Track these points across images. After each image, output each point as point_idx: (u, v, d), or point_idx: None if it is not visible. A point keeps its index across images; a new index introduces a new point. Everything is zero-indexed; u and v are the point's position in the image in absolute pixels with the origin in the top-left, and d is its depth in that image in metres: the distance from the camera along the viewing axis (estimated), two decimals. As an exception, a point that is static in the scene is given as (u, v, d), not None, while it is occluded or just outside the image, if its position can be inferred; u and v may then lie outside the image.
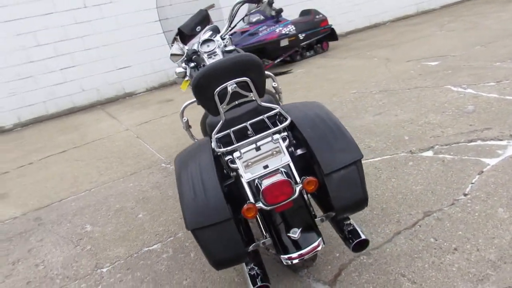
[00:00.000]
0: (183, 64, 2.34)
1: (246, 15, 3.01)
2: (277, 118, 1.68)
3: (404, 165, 2.45)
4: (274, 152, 1.42)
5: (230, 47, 2.42)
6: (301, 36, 6.23)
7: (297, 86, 4.89)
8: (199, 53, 2.42)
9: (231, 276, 1.80)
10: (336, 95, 4.16)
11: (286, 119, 1.60)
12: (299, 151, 1.56)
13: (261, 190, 1.34)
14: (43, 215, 2.80)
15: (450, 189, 2.10)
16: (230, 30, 2.61)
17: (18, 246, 2.45)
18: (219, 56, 2.32)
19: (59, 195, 3.10)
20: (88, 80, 6.24)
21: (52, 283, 2.02)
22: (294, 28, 6.07)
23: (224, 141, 1.54)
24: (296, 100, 4.28)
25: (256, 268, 1.45)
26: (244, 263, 1.46)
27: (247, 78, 1.46)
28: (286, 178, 1.35)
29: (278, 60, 6.13)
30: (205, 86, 1.45)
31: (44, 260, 2.23)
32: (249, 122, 1.57)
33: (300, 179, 1.40)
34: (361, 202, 1.44)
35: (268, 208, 1.37)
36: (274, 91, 2.81)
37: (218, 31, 2.59)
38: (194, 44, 2.46)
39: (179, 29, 2.55)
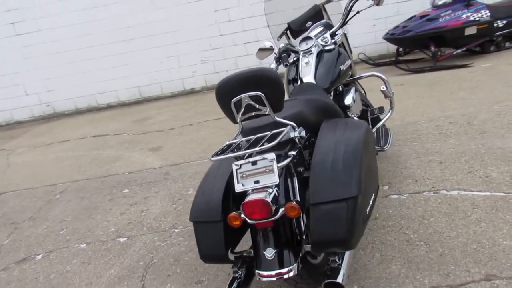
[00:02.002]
0: (274, 62, 2.41)
1: None
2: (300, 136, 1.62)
3: (511, 211, 1.97)
4: (267, 170, 1.43)
5: (330, 47, 2.35)
6: (498, 24, 5.19)
7: (465, 85, 4.21)
8: (290, 51, 2.44)
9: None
10: (501, 103, 3.43)
11: (303, 138, 1.56)
12: (306, 174, 1.51)
13: (242, 203, 1.39)
14: (171, 171, 3.41)
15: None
16: (342, 26, 2.51)
17: (142, 192, 3.09)
18: (313, 56, 2.30)
19: (190, 157, 3.68)
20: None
21: (140, 229, 2.53)
22: (488, 14, 5.09)
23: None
24: (438, 103, 3.74)
25: (240, 273, 1.53)
26: (233, 265, 1.55)
27: (261, 92, 1.47)
28: (265, 198, 1.36)
29: (460, 50, 5.31)
30: (223, 95, 1.54)
31: (148, 209, 2.78)
32: (261, 134, 1.56)
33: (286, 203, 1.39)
34: (340, 242, 1.32)
35: (250, 221, 1.42)
36: (383, 95, 2.60)
37: (330, 28, 2.53)
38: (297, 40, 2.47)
39: (288, 24, 2.60)
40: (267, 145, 1.37)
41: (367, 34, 6.58)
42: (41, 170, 4.14)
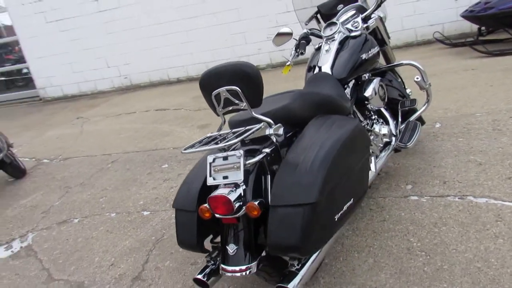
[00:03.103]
0: (294, 49, 2.32)
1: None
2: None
3: (539, 229, 1.72)
4: (235, 167, 1.42)
5: (356, 33, 2.20)
6: None
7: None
8: (316, 36, 2.32)
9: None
10: None
11: (279, 136, 1.51)
12: None
13: (207, 197, 1.41)
14: (209, 150, 3.51)
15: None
16: (376, 9, 2.32)
17: (178, 169, 3.24)
18: (335, 43, 2.18)
19: (231, 137, 3.73)
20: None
21: (164, 204, 2.67)
22: None
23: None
24: (506, 93, 3.28)
25: (213, 263, 1.56)
26: (207, 254, 1.59)
27: (237, 87, 1.45)
28: (226, 195, 1.36)
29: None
30: (205, 87, 1.54)
31: (177, 185, 2.91)
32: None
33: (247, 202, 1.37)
34: (293, 248, 1.28)
35: (216, 216, 1.43)
36: (418, 85, 2.39)
37: (363, 11, 2.35)
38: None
39: (318, 7, 2.47)
40: (230, 142, 1.36)
41: (447, 10, 5.95)
42: (105, 139, 4.53)
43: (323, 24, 2.51)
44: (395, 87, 2.54)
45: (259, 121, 1.52)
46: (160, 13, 6.96)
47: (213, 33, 6.89)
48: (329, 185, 1.34)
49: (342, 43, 2.19)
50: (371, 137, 2.19)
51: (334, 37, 2.21)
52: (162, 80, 7.47)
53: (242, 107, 1.49)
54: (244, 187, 1.42)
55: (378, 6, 2.31)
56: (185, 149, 1.46)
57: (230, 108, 1.53)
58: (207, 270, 1.52)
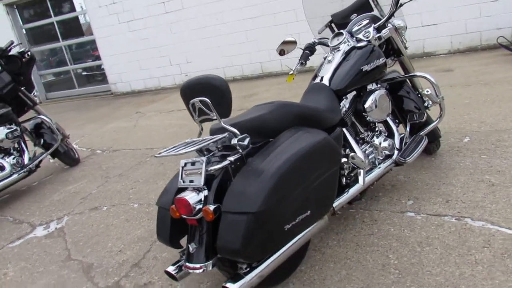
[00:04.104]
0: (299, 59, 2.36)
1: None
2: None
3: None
4: (199, 172, 1.53)
5: (362, 43, 2.20)
6: None
7: None
8: (321, 46, 2.35)
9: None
10: None
11: (242, 146, 1.59)
12: None
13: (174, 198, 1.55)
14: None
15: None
16: (389, 19, 2.29)
17: (203, 167, 3.42)
18: (339, 54, 2.20)
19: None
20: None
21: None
22: None
23: None
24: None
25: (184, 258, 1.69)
26: (180, 250, 1.73)
27: (207, 98, 1.56)
28: (185, 197, 1.48)
29: None
30: (183, 97, 1.68)
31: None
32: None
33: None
34: (236, 253, 1.37)
35: (182, 216, 1.56)
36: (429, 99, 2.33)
37: (376, 20, 2.34)
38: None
39: (332, 16, 2.48)
40: (184, 150, 1.48)
41: (517, 12, 5.47)
42: (151, 134, 4.88)
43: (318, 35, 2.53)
44: (412, 99, 2.47)
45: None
46: (225, 13, 7.23)
47: (271, 33, 7.01)
48: (277, 196, 1.40)
49: (348, 54, 2.19)
50: (370, 150, 2.17)
51: (339, 47, 2.22)
52: (219, 79, 7.75)
53: (213, 117, 1.60)
54: (206, 191, 1.53)
55: (391, 15, 2.27)
56: (158, 154, 1.60)
57: (204, 117, 1.65)
58: (178, 264, 1.66)
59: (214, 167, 1.53)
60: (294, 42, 2.30)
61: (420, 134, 2.35)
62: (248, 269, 1.48)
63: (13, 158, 3.56)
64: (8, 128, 3.57)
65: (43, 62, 9.89)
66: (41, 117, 3.87)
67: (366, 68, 2.11)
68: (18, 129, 3.66)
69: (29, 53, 3.79)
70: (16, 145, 3.68)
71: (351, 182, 1.99)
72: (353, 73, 2.09)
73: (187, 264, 1.54)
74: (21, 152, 3.68)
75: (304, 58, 2.34)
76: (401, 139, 2.29)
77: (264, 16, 6.96)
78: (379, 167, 2.13)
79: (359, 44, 2.21)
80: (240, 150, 1.58)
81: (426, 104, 2.50)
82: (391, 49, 2.44)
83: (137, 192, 3.17)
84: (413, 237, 1.90)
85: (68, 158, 4.12)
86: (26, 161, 3.63)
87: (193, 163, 1.57)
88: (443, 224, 1.95)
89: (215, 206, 1.47)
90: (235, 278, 1.45)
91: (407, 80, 2.52)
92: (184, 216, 1.53)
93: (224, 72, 7.67)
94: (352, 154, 1.94)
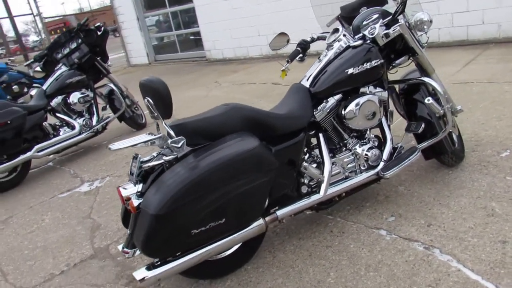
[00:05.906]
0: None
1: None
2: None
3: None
4: (135, 167, 1.66)
5: (357, 42, 2.04)
6: None
7: None
8: (310, 44, 2.23)
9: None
10: None
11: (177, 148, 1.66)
12: None
13: (118, 187, 1.73)
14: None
15: None
16: (399, 14, 2.07)
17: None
18: (331, 52, 2.08)
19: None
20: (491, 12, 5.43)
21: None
22: None
23: None
24: None
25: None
26: None
27: (149, 98, 1.65)
28: (120, 189, 1.64)
29: None
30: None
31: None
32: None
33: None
34: (140, 248, 1.50)
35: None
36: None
37: (385, 16, 2.13)
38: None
39: (340, 8, 2.32)
40: (119, 147, 1.61)
41: None
42: (210, 105, 5.11)
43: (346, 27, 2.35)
44: (424, 105, 2.21)
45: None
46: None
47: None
48: (183, 201, 1.47)
49: (341, 52, 2.05)
50: (351, 158, 2.05)
51: (332, 45, 2.09)
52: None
53: (157, 117, 1.70)
54: (141, 186, 1.66)
55: (401, 12, 2.03)
56: (112, 147, 1.77)
57: (152, 115, 1.75)
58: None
59: (149, 164, 1.65)
60: (287, 39, 2.23)
61: (418, 146, 2.11)
62: (158, 263, 1.60)
63: (83, 120, 4.13)
64: (81, 94, 4.13)
65: (151, 27, 10.84)
66: (110, 85, 4.37)
67: (352, 71, 1.96)
68: (90, 94, 4.21)
69: (103, 27, 4.26)
70: (88, 108, 4.26)
71: (312, 191, 1.93)
72: (335, 76, 1.96)
73: (121, 246, 1.73)
74: (91, 115, 4.25)
75: (292, 56, 2.24)
76: (395, 149, 2.10)
77: None
78: (353, 178, 2.00)
79: (353, 43, 2.04)
80: (174, 152, 1.66)
81: (459, 107, 2.23)
82: (404, 47, 2.18)
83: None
84: (366, 259, 1.80)
85: (134, 122, 4.60)
86: (94, 123, 4.19)
87: (135, 158, 1.71)
88: (406, 250, 1.79)
89: (140, 201, 1.60)
90: (146, 267, 1.59)
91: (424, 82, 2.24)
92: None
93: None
94: (304, 164, 1.86)
